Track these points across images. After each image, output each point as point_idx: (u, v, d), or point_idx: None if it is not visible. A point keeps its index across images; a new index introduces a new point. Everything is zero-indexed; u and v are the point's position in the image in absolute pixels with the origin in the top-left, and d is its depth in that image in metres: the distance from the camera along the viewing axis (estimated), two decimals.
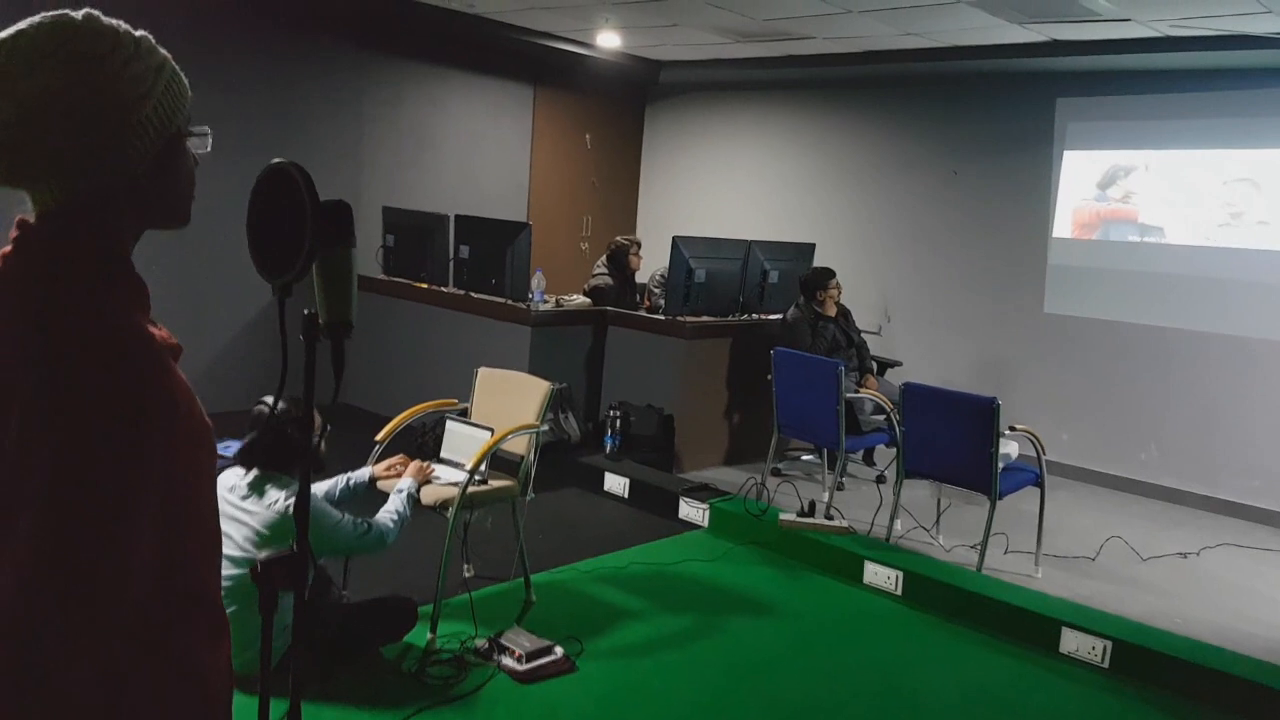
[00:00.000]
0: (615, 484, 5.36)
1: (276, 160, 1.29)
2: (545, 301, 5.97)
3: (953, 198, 7.08)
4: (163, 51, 1.03)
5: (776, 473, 5.66)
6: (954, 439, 4.36)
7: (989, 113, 6.87)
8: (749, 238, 6.40)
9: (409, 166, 7.39)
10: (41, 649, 0.86)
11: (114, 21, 1.00)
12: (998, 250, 6.88)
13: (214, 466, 1.04)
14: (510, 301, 5.85)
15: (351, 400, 6.44)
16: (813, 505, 4.70)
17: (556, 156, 8.43)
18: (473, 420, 3.83)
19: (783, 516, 4.67)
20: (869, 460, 5.98)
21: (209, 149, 1.08)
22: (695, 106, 8.64)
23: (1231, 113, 5.83)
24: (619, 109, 8.80)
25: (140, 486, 0.90)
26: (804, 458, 6.10)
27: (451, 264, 6.19)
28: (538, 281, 5.89)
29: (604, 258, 6.93)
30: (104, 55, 0.97)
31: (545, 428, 3.68)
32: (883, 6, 5.55)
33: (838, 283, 5.72)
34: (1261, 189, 5.79)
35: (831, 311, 5.68)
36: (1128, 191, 6.36)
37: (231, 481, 2.86)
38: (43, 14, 0.97)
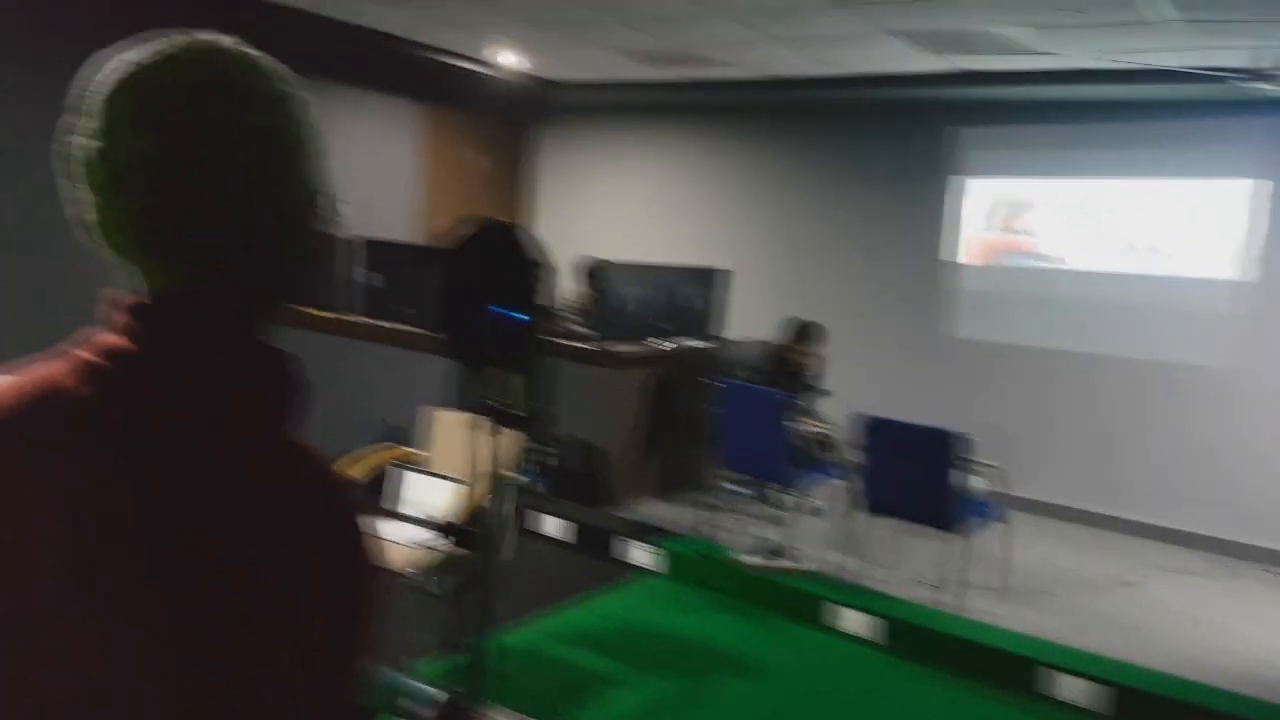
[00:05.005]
0: (552, 525, 4.98)
1: (489, 218, 1.04)
2: None
3: (853, 224, 7.12)
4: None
5: (708, 506, 5.43)
6: (916, 473, 4.25)
7: (888, 139, 6.96)
8: (645, 261, 6.26)
9: None
10: None
11: (256, 51, 0.81)
12: (899, 276, 6.95)
13: None
14: (430, 332, 5.38)
15: None
16: (775, 547, 4.49)
17: (447, 176, 7.96)
18: (430, 469, 3.39)
19: (743, 559, 4.43)
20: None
21: (339, 227, 0.86)
22: (589, 127, 8.38)
23: (1128, 144, 6.09)
24: (510, 128, 8.43)
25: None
26: (738, 490, 5.89)
27: (360, 290, 5.66)
28: None
29: (444, 261, 6.53)
30: (270, 94, 0.79)
31: (526, 479, 3.29)
32: (800, 35, 5.47)
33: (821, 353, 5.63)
34: (1155, 217, 6.07)
35: (805, 365, 5.55)
36: (1023, 218, 6.56)
37: None
38: (179, 35, 0.78)
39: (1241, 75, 4.70)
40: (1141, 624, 4.45)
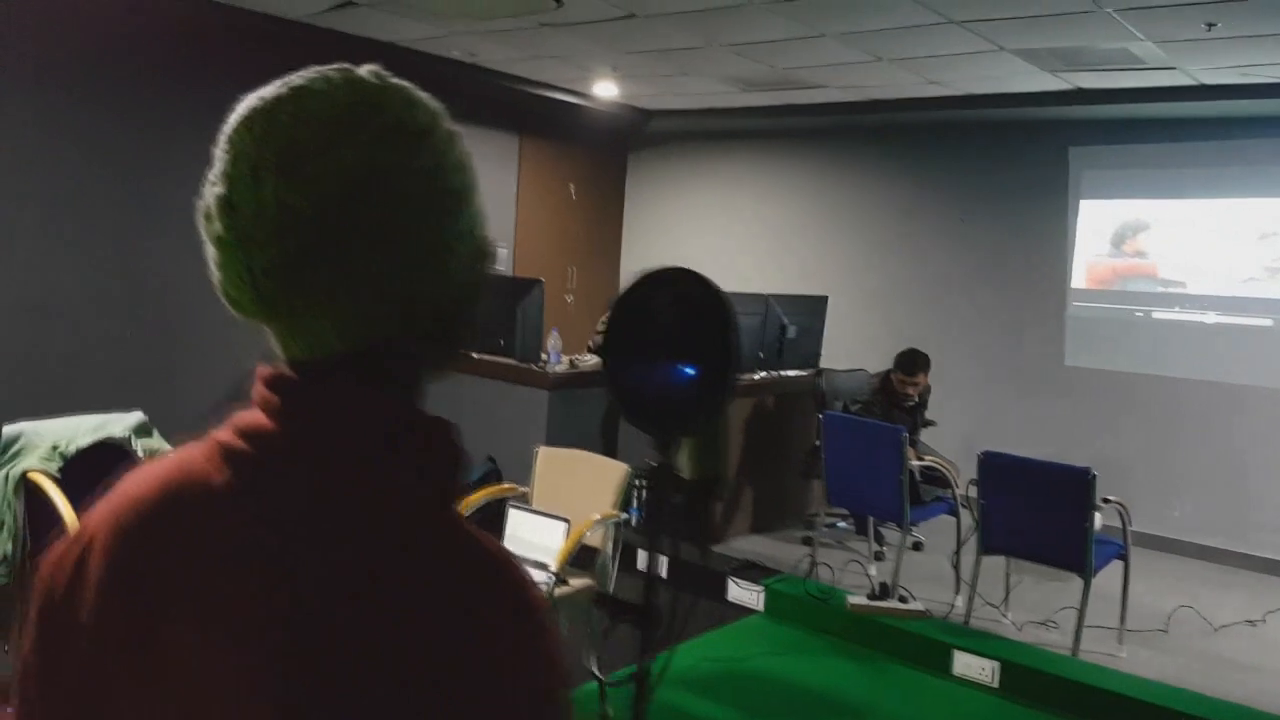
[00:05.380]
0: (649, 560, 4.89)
1: (666, 267, 0.93)
2: (560, 362, 5.52)
3: (965, 248, 6.89)
4: None
5: (808, 541, 5.28)
6: (1041, 513, 4.04)
7: (1001, 161, 6.72)
8: (744, 290, 6.13)
9: None
10: None
11: (408, 83, 0.71)
12: (1013, 301, 6.69)
13: None
14: (521, 363, 5.39)
15: None
16: (884, 587, 4.32)
17: (541, 207, 8.03)
18: (538, 508, 3.36)
19: (851, 600, 4.28)
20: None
21: (494, 272, 0.72)
22: (682, 155, 8.35)
23: (1256, 161, 5.72)
24: (603, 158, 8.47)
25: None
26: (839, 525, 5.73)
27: None
28: (554, 341, 5.45)
29: (608, 314, 6.53)
30: (425, 130, 0.69)
31: (627, 516, 3.23)
32: (913, 55, 5.33)
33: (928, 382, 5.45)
34: None
35: (913, 396, 5.38)
36: (1147, 241, 6.24)
37: None
38: (317, 68, 0.69)
39: None
40: (1264, 666, 4.16)
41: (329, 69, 0.69)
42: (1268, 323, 5.76)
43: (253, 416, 0.66)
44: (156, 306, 5.39)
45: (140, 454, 3.56)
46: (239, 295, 0.67)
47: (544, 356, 5.47)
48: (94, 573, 0.68)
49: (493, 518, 3.46)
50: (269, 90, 0.67)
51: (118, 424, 3.55)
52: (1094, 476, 3.88)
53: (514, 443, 4.99)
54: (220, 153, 0.67)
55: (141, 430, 3.62)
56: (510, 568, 0.66)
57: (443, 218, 0.68)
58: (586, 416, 5.55)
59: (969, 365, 6.80)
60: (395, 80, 0.70)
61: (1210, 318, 5.95)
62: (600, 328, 6.50)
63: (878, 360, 5.91)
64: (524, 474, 3.87)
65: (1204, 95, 5.39)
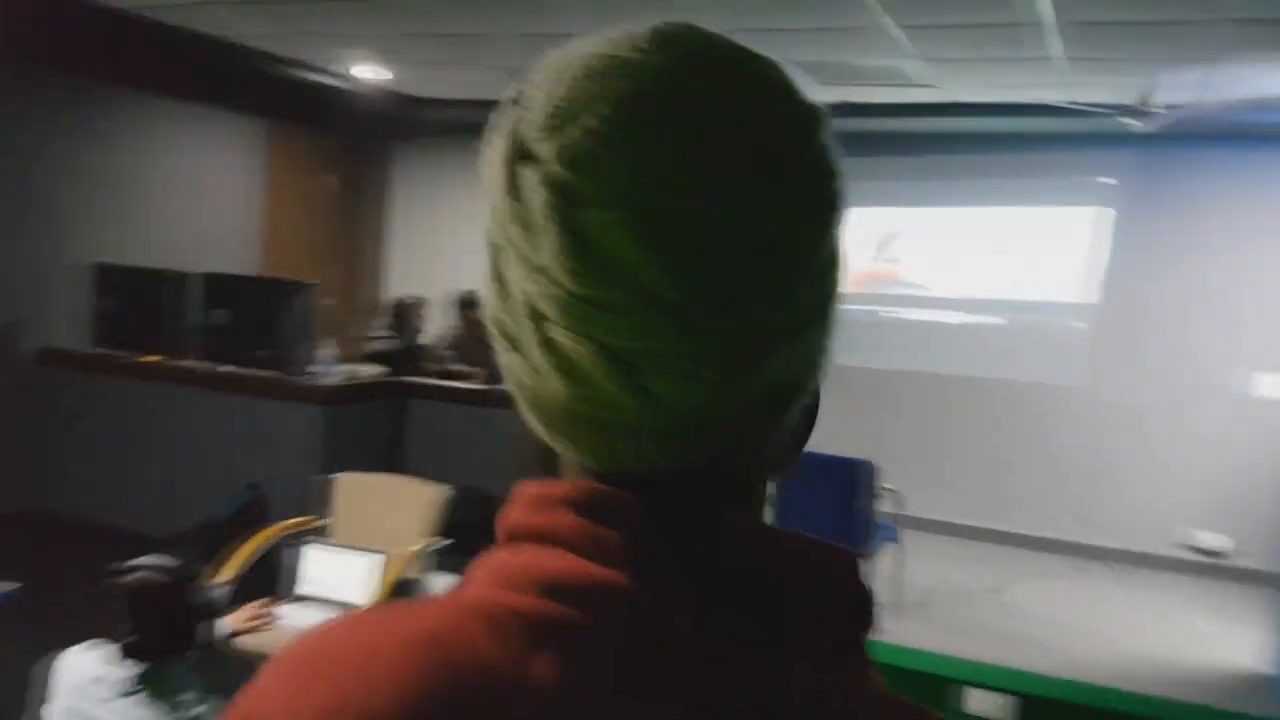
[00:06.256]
0: (446, 586, 4.67)
1: None
2: (333, 373, 5.11)
3: None
4: None
5: None
6: (826, 501, 4.28)
7: None
8: None
9: (114, 215, 6.00)
10: None
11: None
12: None
13: None
14: (286, 376, 4.92)
15: (67, 507, 5.11)
16: None
17: (296, 203, 7.44)
18: (342, 542, 3.08)
19: None
20: None
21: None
22: (456, 149, 8.05)
23: (993, 174, 6.37)
24: (366, 149, 7.99)
25: None
26: None
27: (198, 332, 5.14)
28: (330, 351, 5.05)
29: (384, 318, 6.18)
30: (812, 125, 0.46)
31: (449, 542, 3.04)
32: None
33: None
34: (1014, 244, 6.41)
35: None
36: (894, 247, 6.79)
37: (94, 672, 1.95)
38: (666, 22, 0.46)
39: (1111, 110, 5.00)
40: (1006, 629, 4.73)
41: (666, 25, 0.45)
42: (1002, 321, 6.46)
43: (572, 564, 0.43)
44: None
45: None
46: (588, 394, 0.44)
47: (316, 367, 5.04)
48: None
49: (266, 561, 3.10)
50: (625, 49, 0.44)
51: None
52: (876, 468, 4.16)
53: (281, 467, 4.56)
54: (605, 154, 0.42)
55: None
56: None
57: (835, 262, 0.48)
58: (368, 434, 5.20)
59: None
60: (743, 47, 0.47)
61: (955, 317, 6.59)
62: (373, 334, 6.14)
63: None
64: (296, 505, 3.50)
65: (956, 112, 5.89)
